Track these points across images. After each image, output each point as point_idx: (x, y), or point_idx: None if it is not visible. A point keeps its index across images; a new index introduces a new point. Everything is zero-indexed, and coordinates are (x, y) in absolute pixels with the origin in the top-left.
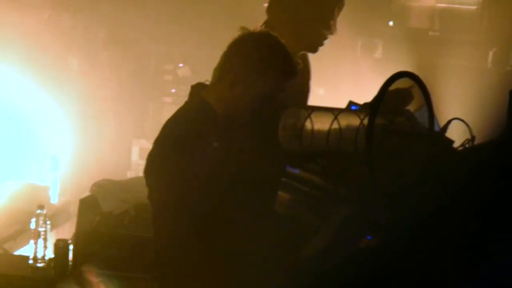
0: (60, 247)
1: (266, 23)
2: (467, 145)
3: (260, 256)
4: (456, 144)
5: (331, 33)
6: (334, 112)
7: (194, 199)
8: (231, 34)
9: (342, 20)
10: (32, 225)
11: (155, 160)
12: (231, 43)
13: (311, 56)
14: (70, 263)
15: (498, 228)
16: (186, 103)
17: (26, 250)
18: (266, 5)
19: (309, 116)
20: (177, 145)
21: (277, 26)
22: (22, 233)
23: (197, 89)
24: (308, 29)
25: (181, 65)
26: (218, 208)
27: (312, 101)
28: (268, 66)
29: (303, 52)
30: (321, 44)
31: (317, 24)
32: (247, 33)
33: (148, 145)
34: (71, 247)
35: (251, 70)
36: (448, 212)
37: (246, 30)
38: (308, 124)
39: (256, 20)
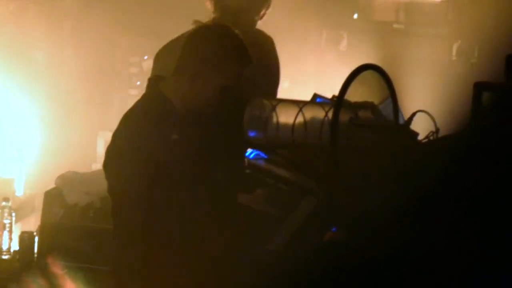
0: (25, 239)
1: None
2: (431, 138)
3: (219, 249)
4: (420, 137)
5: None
6: (299, 104)
7: (153, 192)
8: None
9: (307, 12)
10: None
11: (113, 153)
12: (187, 37)
13: (277, 48)
14: (35, 255)
15: (461, 220)
16: (144, 96)
17: None
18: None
19: (274, 108)
20: (135, 138)
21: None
22: None
23: (155, 82)
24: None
25: (146, 57)
26: (176, 201)
27: (278, 92)
28: (224, 58)
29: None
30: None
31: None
32: (201, 26)
33: None
34: (36, 239)
35: (208, 64)
36: (412, 204)
37: (199, 23)
38: (273, 117)
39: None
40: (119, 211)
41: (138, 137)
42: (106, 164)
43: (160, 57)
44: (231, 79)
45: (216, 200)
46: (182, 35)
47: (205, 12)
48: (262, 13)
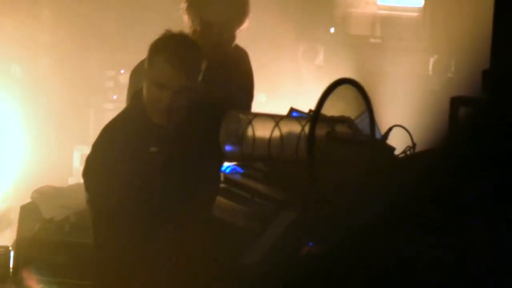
0: (1, 254)
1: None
2: (408, 152)
3: (198, 262)
4: (397, 151)
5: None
6: (276, 119)
7: (131, 204)
8: None
9: (283, 26)
10: None
11: (93, 164)
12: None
13: (253, 61)
14: (11, 269)
15: (438, 234)
16: (125, 109)
17: None
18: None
19: (250, 122)
20: (114, 149)
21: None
22: None
23: (139, 95)
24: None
25: (123, 71)
26: (155, 213)
27: (254, 106)
28: (153, 54)
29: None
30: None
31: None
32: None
33: None
34: (11, 253)
35: (172, 73)
36: (388, 218)
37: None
38: (249, 131)
39: None
40: (98, 223)
41: (117, 149)
42: (85, 174)
43: (135, 73)
44: (159, 76)
45: (194, 212)
46: None
47: (181, 25)
48: (241, 28)
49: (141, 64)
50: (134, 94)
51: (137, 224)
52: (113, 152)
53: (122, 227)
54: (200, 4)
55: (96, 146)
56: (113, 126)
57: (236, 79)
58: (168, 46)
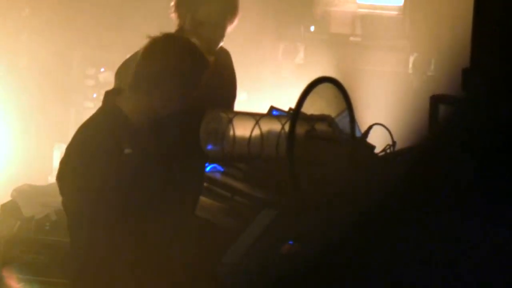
0: None
1: (178, 26)
2: (388, 151)
3: (178, 263)
4: (377, 150)
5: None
6: (256, 117)
7: (106, 207)
8: None
9: (264, 25)
10: None
11: (67, 167)
12: (142, 50)
13: (234, 60)
14: None
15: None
16: (99, 110)
17: None
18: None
19: (230, 121)
20: (88, 152)
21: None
22: None
23: (112, 95)
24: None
25: (103, 69)
26: (132, 215)
27: (235, 104)
28: (178, 68)
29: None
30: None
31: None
32: (154, 38)
33: None
34: None
35: (165, 73)
36: (369, 218)
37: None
38: (229, 129)
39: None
40: (74, 226)
41: (91, 151)
42: (60, 178)
43: (119, 74)
44: (191, 86)
45: (174, 211)
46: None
47: (163, 24)
48: (231, 26)
49: (125, 63)
50: (107, 95)
51: (113, 226)
52: (87, 155)
53: (97, 230)
54: (192, 2)
55: (71, 149)
56: (87, 128)
57: (218, 78)
58: (194, 56)
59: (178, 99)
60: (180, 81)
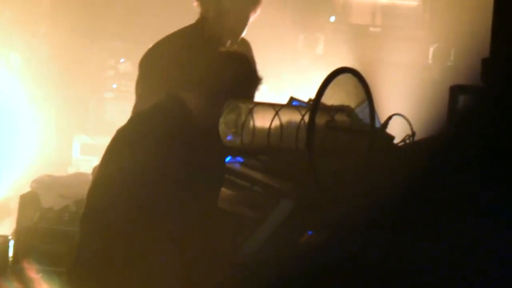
0: (1, 243)
1: (201, 15)
2: (407, 141)
3: (201, 253)
4: (396, 140)
5: (254, 11)
6: (276, 108)
7: (145, 196)
8: (171, 29)
9: (284, 16)
10: None
11: (112, 151)
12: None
13: (254, 51)
14: (11, 259)
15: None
16: (161, 102)
17: None
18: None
19: (250, 112)
20: (138, 139)
21: (208, 17)
22: None
23: (175, 98)
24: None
25: (122, 60)
26: (161, 204)
27: (255, 96)
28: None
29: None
30: (245, 25)
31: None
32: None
33: (90, 141)
34: (11, 243)
35: (233, 85)
36: (389, 207)
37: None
38: (249, 120)
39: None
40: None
41: (141, 139)
42: (103, 163)
43: (143, 64)
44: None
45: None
46: (164, 39)
47: (182, 14)
48: (254, 16)
49: (149, 53)
50: (169, 97)
51: (143, 215)
52: (136, 141)
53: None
54: None
55: (120, 134)
56: (143, 116)
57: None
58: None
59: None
60: (236, 96)
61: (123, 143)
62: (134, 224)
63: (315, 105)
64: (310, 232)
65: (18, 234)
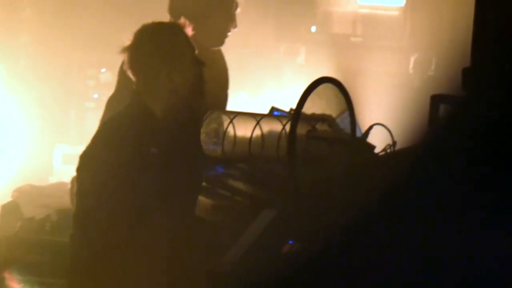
0: None
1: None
2: (388, 151)
3: (180, 260)
4: (377, 150)
5: (234, 26)
6: (257, 117)
7: (122, 202)
8: None
9: (265, 25)
10: None
11: (88, 157)
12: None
13: (235, 61)
14: None
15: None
16: (128, 106)
17: None
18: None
19: (231, 121)
20: (113, 147)
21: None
22: None
23: (138, 93)
24: (210, 24)
25: (103, 70)
26: (144, 212)
27: (236, 105)
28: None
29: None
30: (225, 37)
31: (219, 18)
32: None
33: (71, 151)
34: None
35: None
36: (369, 217)
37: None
38: (230, 130)
39: None
40: (87, 215)
41: (116, 147)
42: (79, 168)
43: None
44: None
45: (175, 212)
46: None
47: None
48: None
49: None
50: (135, 92)
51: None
52: (112, 149)
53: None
54: None
55: (93, 141)
56: (115, 123)
57: (210, 73)
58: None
59: (190, 91)
60: (187, 74)
61: (95, 149)
62: (107, 233)
63: (296, 115)
64: (291, 242)
65: None
